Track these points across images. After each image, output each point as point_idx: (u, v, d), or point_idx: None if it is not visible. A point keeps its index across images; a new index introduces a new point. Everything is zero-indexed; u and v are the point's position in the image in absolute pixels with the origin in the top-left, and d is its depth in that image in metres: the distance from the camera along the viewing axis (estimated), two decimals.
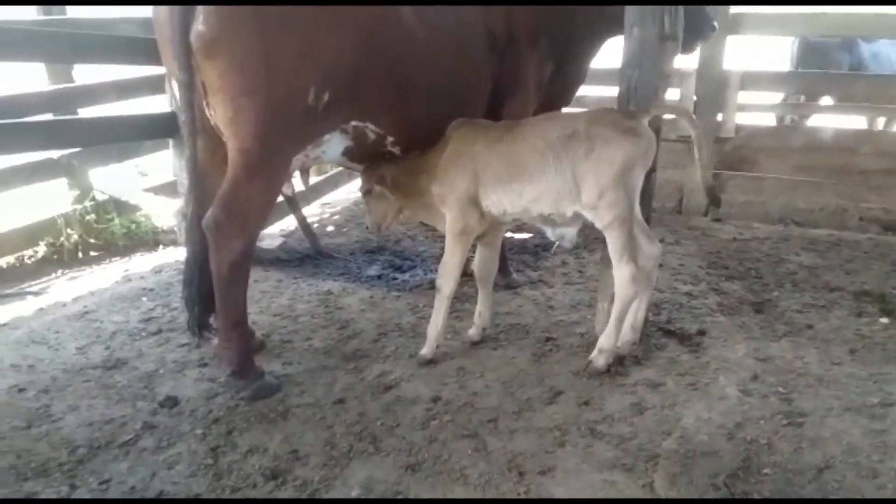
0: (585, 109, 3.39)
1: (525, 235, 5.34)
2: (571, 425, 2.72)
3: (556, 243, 4.68)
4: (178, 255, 4.93)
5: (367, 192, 3.37)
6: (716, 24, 3.78)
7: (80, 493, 2.38)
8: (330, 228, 5.80)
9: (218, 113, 2.65)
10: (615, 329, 3.08)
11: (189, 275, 3.03)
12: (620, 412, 2.81)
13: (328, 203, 6.67)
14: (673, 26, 2.99)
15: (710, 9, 3.75)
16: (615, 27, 3.46)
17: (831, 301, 4.01)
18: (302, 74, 2.65)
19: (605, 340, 3.11)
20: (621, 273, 3.01)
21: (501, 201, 3.14)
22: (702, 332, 3.53)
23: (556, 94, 4.01)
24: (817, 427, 2.71)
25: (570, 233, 3.25)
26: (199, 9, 2.47)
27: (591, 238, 5.03)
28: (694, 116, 3.14)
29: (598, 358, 3.11)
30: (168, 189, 5.35)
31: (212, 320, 3.10)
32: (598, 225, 3.03)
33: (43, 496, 2.36)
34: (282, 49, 2.56)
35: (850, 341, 3.47)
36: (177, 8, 2.47)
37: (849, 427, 2.70)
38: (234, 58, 2.52)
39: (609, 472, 2.45)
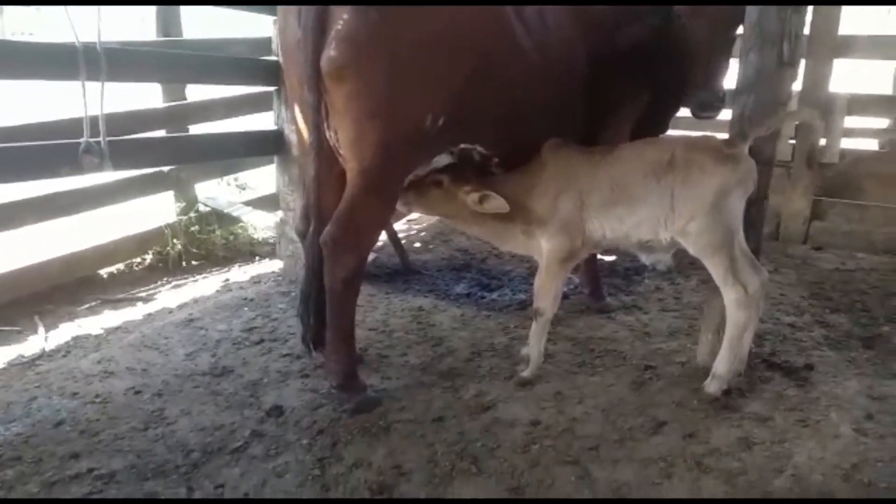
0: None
1: (613, 258, 5.27)
2: (677, 457, 2.65)
3: (651, 267, 4.62)
4: (274, 266, 5.10)
5: (439, 182, 3.12)
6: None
7: (197, 496, 2.48)
8: (417, 245, 5.88)
9: (340, 134, 2.75)
10: (729, 355, 3.02)
11: (307, 289, 3.12)
12: (727, 446, 2.73)
13: (414, 220, 6.76)
14: (792, 52, 2.91)
15: None
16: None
17: None
18: (422, 101, 2.73)
19: (719, 366, 3.04)
20: (728, 297, 2.97)
21: (602, 226, 3.11)
22: (809, 367, 3.39)
23: (649, 121, 3.97)
24: None
25: (665, 258, 3.21)
26: (332, 35, 2.57)
27: (685, 263, 4.94)
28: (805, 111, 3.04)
29: (712, 384, 3.05)
30: (266, 202, 5.56)
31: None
32: (691, 251, 3.00)
33: (162, 496, 2.47)
34: (405, 77, 2.64)
35: None
36: (310, 34, 2.58)
37: None
38: (361, 83, 2.61)
39: None
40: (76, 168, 3.27)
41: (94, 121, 3.24)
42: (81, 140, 3.23)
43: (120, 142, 3.52)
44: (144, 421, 2.96)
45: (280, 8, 2.98)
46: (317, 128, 2.73)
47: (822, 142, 5.63)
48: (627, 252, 3.34)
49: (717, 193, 2.88)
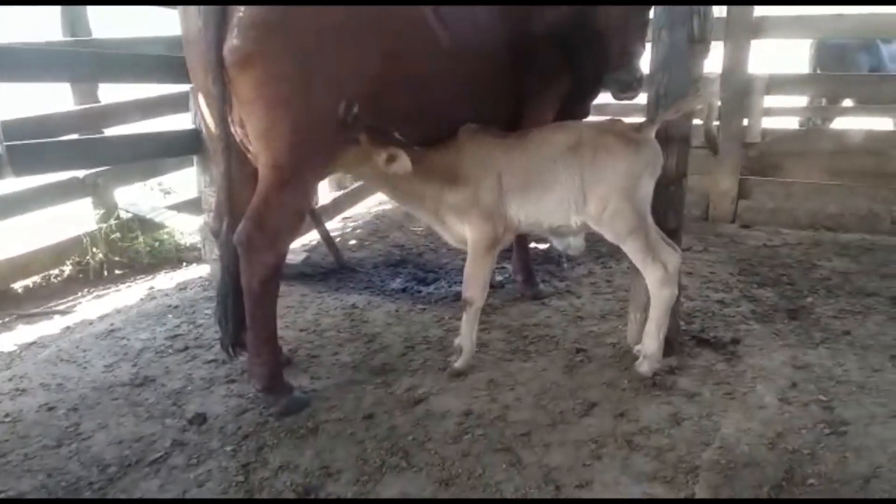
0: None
1: (547, 245, 5.28)
2: (607, 437, 2.65)
3: (564, 251, 4.64)
4: (201, 271, 4.94)
5: (356, 140, 2.86)
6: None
7: None
8: (352, 242, 5.78)
9: (249, 127, 2.63)
10: (657, 334, 3.04)
11: (223, 291, 3.00)
12: (657, 423, 2.74)
13: (349, 217, 6.67)
14: (702, 29, 2.93)
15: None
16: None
17: (868, 307, 3.91)
18: (333, 88, 2.63)
19: (649, 346, 3.06)
20: (650, 277, 2.99)
21: (517, 212, 3.10)
22: (736, 341, 3.45)
23: (572, 104, 3.97)
24: (861, 436, 2.63)
25: (577, 242, 3.22)
26: (234, 23, 2.46)
27: (617, 247, 4.97)
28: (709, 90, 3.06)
29: (643, 364, 3.07)
30: (191, 206, 5.37)
31: (244, 337, 3.07)
32: (608, 237, 3.02)
33: None
34: (314, 63, 2.54)
35: (889, 347, 3.37)
36: (211, 22, 2.46)
37: (894, 435, 2.61)
38: (268, 71, 2.50)
39: (649, 485, 2.38)
40: None
41: None
42: None
43: (20, 146, 3.31)
44: (58, 438, 2.81)
45: None
46: (224, 120, 2.61)
47: (745, 122, 5.76)
48: (542, 237, 3.33)
49: (627, 177, 2.89)
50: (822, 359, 3.26)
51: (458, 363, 3.22)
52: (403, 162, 2.85)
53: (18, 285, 4.59)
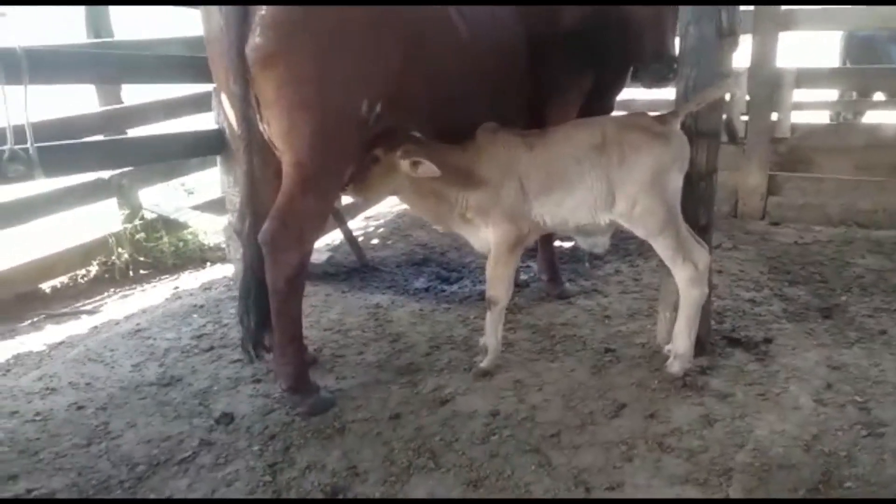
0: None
1: (573, 243, 5.22)
2: (638, 439, 2.61)
3: (588, 253, 4.58)
4: (226, 271, 4.95)
5: (376, 158, 2.95)
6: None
7: None
8: (375, 241, 5.77)
9: (273, 126, 2.63)
10: (687, 333, 2.98)
11: (245, 289, 3.00)
12: (689, 424, 2.69)
13: (372, 216, 6.66)
14: (731, 22, 2.87)
15: None
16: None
17: None
18: (356, 86, 2.62)
19: (680, 345, 3.01)
20: (680, 276, 2.94)
21: (541, 212, 3.05)
22: (768, 340, 3.38)
23: (596, 100, 3.92)
24: None
25: (603, 241, 3.16)
26: (256, 21, 2.45)
27: (645, 245, 4.91)
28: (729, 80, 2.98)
29: (674, 364, 3.02)
30: (214, 206, 5.39)
31: (266, 338, 3.06)
32: (639, 234, 2.96)
33: None
34: (337, 61, 2.53)
35: None
36: (232, 20, 2.45)
37: None
38: (291, 70, 2.49)
39: (681, 487, 2.34)
40: None
41: (21, 129, 3.10)
42: (4, 147, 3.07)
43: (50, 148, 3.34)
44: (87, 437, 2.83)
45: None
46: (245, 119, 2.60)
47: (774, 117, 5.65)
48: (567, 236, 3.28)
49: (654, 172, 2.84)
50: (858, 359, 3.18)
51: (484, 363, 3.19)
52: (427, 167, 2.84)
53: (46, 285, 4.64)
